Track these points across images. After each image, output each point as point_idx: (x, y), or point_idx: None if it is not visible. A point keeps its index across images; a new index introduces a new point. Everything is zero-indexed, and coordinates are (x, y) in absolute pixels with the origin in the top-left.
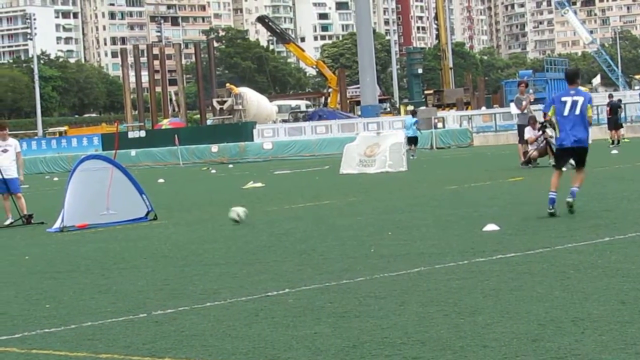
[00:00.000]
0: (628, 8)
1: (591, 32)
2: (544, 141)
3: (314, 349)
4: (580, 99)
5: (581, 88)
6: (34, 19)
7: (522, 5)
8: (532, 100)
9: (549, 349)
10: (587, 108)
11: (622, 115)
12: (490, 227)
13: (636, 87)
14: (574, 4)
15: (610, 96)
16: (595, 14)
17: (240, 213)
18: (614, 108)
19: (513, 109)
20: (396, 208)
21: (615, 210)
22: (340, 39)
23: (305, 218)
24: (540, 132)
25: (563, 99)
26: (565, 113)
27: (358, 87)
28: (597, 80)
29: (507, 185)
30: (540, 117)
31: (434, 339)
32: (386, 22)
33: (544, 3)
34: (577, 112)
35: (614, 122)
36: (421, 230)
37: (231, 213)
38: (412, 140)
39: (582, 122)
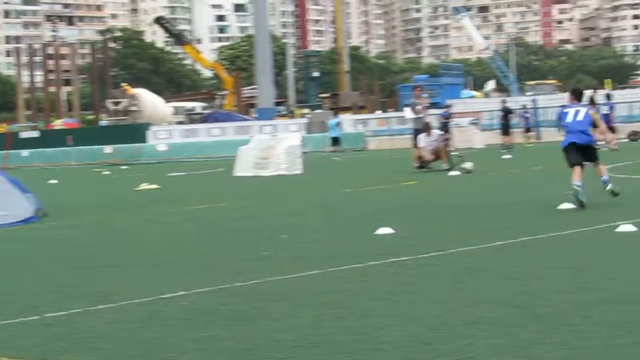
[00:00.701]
0: (522, 15)
1: (486, 38)
2: (444, 141)
3: (209, 351)
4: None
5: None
6: None
7: (418, 11)
8: (426, 104)
9: (442, 352)
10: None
11: (514, 120)
12: (385, 230)
13: (528, 93)
14: (470, 10)
15: (504, 102)
16: (490, 20)
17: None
18: (507, 113)
19: (408, 113)
20: (291, 211)
21: (507, 215)
22: (238, 41)
23: (200, 220)
24: (442, 132)
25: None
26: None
27: (254, 89)
28: (490, 85)
29: (402, 189)
30: (435, 122)
31: (328, 341)
32: (284, 25)
33: (440, 9)
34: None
35: (506, 128)
36: (316, 233)
37: None
38: (335, 141)
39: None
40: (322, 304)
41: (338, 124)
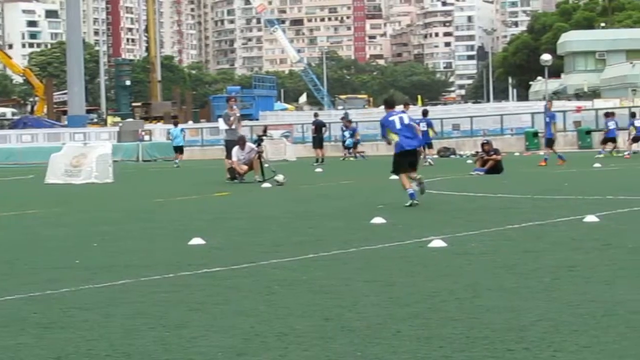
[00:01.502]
0: (335, 29)
1: (299, 50)
2: (257, 154)
3: None
4: (405, 115)
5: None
6: None
7: (232, 22)
8: (237, 115)
9: None
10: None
11: (327, 134)
12: (197, 240)
13: (339, 107)
14: (283, 22)
15: (316, 115)
16: (304, 34)
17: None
18: (319, 127)
19: (221, 124)
20: (102, 219)
21: (320, 227)
22: (49, 47)
23: (9, 227)
24: (256, 146)
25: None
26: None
27: (64, 93)
28: (303, 98)
29: (214, 200)
30: (249, 134)
31: (140, 351)
32: (96, 33)
33: (254, 20)
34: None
35: (319, 141)
36: (127, 242)
37: None
38: (177, 149)
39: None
40: (133, 314)
41: (183, 131)
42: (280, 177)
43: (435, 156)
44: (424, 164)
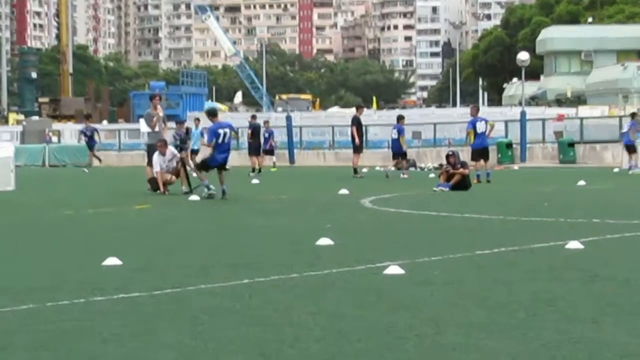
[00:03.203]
0: (278, 18)
1: (235, 42)
2: (179, 161)
3: None
4: None
5: None
6: None
7: (156, 7)
8: (161, 115)
9: None
10: None
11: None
12: (112, 260)
13: (279, 109)
14: (217, 9)
15: (254, 117)
16: (241, 22)
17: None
18: (257, 131)
19: (143, 126)
20: (1, 233)
21: (256, 248)
22: None
23: None
24: (177, 152)
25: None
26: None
27: None
28: (238, 98)
29: (133, 213)
30: (170, 138)
31: None
32: None
33: (182, 6)
34: None
35: (256, 147)
36: (30, 260)
37: None
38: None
39: None
40: (37, 346)
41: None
42: (211, 189)
43: (392, 169)
44: (402, 176)
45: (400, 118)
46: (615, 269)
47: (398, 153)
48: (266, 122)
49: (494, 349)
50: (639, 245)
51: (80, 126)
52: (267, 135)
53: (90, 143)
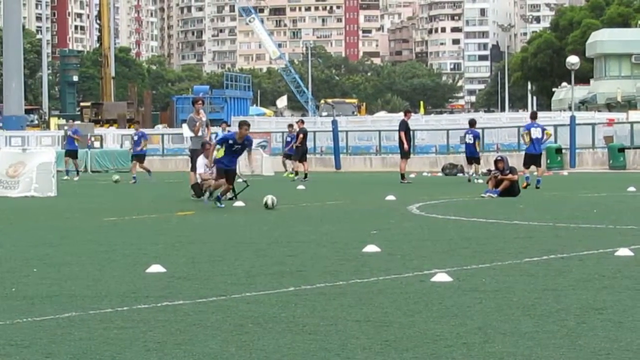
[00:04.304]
0: (323, 21)
1: (280, 45)
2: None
3: None
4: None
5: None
6: None
7: (200, 9)
8: (204, 120)
9: None
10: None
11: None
12: (155, 268)
13: (324, 113)
14: (261, 11)
15: (301, 122)
16: (286, 25)
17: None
18: (305, 136)
19: (186, 131)
20: (44, 240)
21: (302, 256)
22: None
23: None
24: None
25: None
26: None
27: None
28: (282, 102)
29: (176, 220)
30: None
31: None
32: (38, 18)
33: (226, 8)
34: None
35: (303, 153)
36: (73, 268)
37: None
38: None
39: None
40: (80, 354)
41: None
42: (269, 200)
43: (440, 174)
44: (476, 181)
45: (472, 123)
46: None
47: (473, 158)
48: (290, 127)
49: (542, 358)
50: None
51: (121, 131)
52: (289, 139)
53: (142, 152)
